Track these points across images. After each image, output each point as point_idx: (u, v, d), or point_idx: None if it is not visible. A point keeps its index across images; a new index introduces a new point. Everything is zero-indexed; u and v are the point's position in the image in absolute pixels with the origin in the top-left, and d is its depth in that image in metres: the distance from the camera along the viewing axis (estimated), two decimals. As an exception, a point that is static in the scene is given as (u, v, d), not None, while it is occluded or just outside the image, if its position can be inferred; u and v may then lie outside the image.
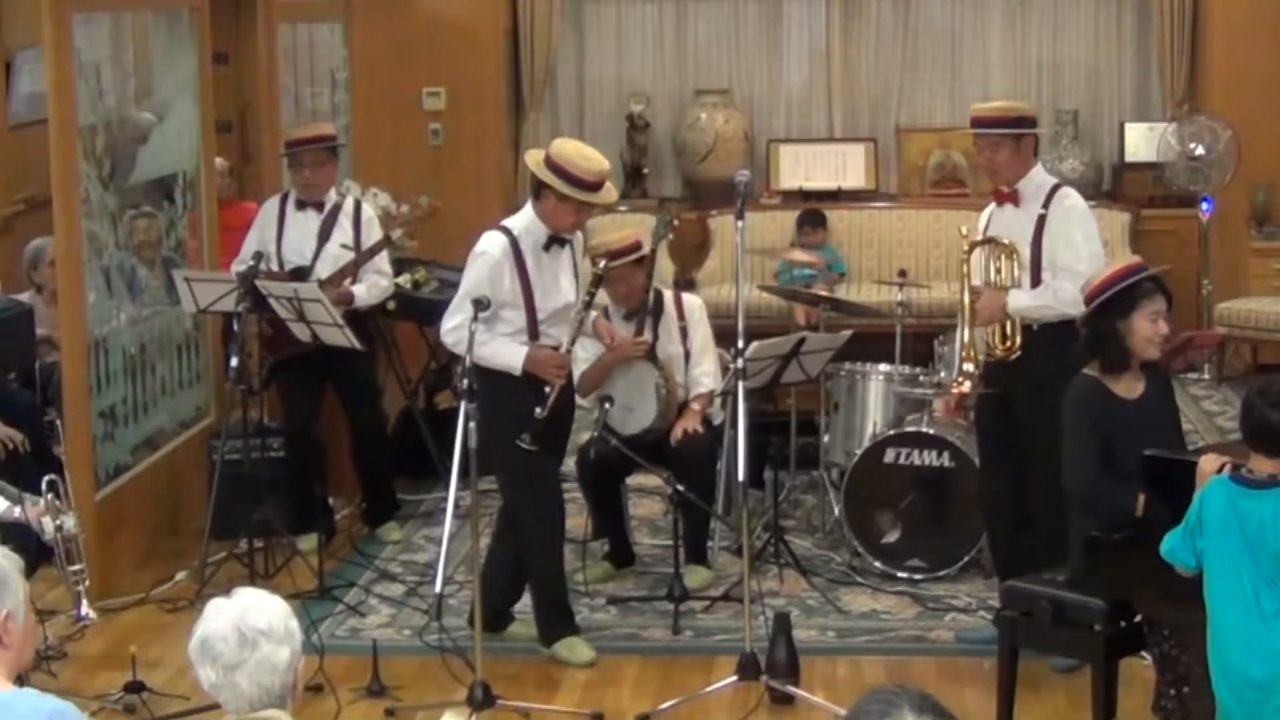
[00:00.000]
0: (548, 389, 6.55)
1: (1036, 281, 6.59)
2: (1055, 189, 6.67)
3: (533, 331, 6.64)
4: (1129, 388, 5.79)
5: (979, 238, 6.73)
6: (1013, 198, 6.68)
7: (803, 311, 9.85)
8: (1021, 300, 6.58)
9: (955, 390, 6.77)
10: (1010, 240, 6.64)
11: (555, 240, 6.64)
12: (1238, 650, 4.89)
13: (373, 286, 8.10)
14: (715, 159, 11.76)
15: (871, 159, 11.87)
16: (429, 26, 11.63)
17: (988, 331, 6.67)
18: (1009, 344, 6.62)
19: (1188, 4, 11.55)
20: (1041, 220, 6.59)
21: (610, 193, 6.65)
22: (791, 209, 11.45)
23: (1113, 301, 5.76)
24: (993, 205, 6.81)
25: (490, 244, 6.61)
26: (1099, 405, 5.73)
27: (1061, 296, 6.49)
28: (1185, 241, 11.16)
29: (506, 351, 6.59)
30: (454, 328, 6.52)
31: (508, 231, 6.63)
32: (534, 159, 6.62)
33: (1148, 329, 5.73)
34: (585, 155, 6.56)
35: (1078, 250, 6.52)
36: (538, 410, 6.51)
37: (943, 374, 7.80)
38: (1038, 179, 6.71)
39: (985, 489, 6.97)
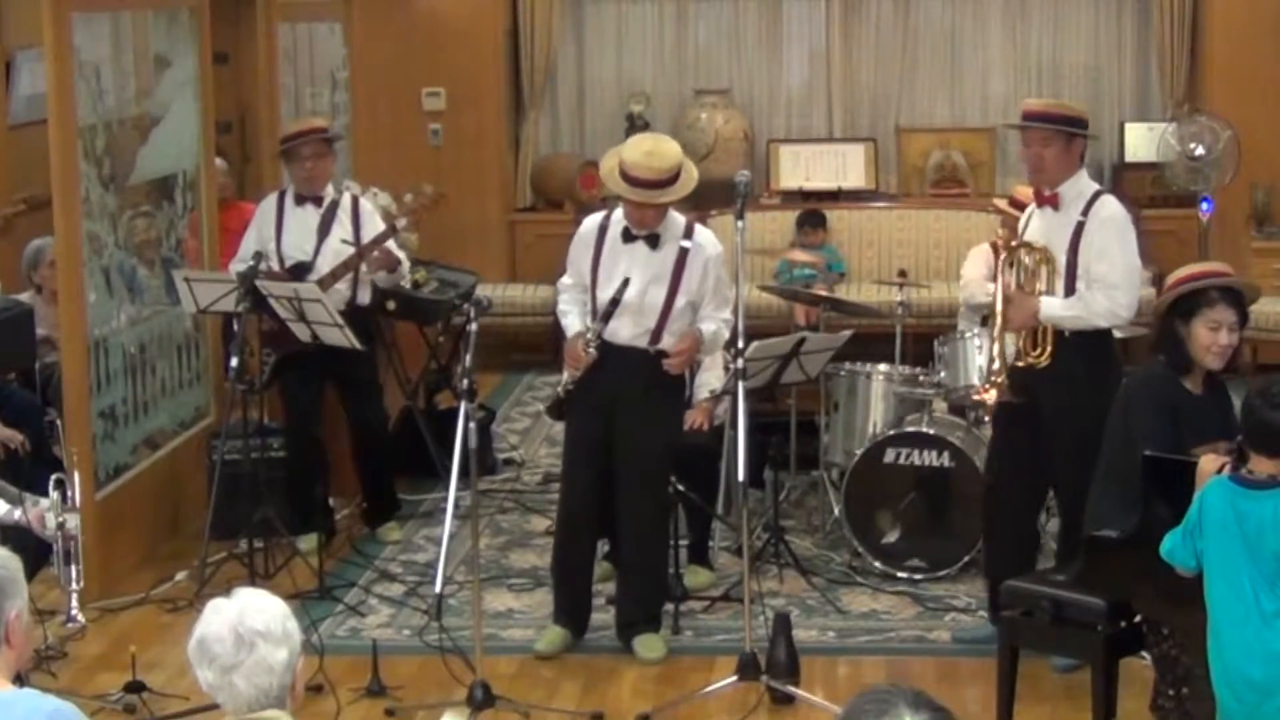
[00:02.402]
0: (571, 371, 6.73)
1: (1071, 289, 6.46)
2: (1096, 196, 6.50)
3: (595, 314, 6.79)
4: (1194, 383, 5.75)
5: (1014, 241, 6.62)
6: (1053, 200, 6.52)
7: (803, 311, 9.85)
8: (1053, 308, 6.46)
9: (980, 397, 6.71)
10: (1046, 245, 6.52)
11: (637, 236, 6.69)
12: (1238, 651, 4.88)
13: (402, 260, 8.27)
14: (715, 159, 11.74)
15: (871, 159, 11.87)
16: (429, 26, 11.64)
17: (1018, 337, 6.56)
18: (1039, 351, 6.51)
19: (1188, 4, 11.56)
20: (1079, 228, 6.44)
21: (680, 188, 6.59)
22: (791, 209, 11.46)
23: (1178, 303, 5.73)
24: (1033, 206, 6.69)
25: (586, 223, 6.90)
26: (1170, 389, 5.69)
27: (1093, 308, 6.41)
28: (1185, 241, 11.14)
29: (569, 326, 6.84)
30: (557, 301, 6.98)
31: (607, 215, 6.82)
32: (608, 164, 6.68)
33: (1206, 337, 5.65)
34: (649, 152, 6.55)
35: (1113, 263, 6.40)
36: (559, 389, 6.79)
37: (943, 374, 7.79)
38: (1080, 184, 6.52)
39: (986, 487, 6.95)
